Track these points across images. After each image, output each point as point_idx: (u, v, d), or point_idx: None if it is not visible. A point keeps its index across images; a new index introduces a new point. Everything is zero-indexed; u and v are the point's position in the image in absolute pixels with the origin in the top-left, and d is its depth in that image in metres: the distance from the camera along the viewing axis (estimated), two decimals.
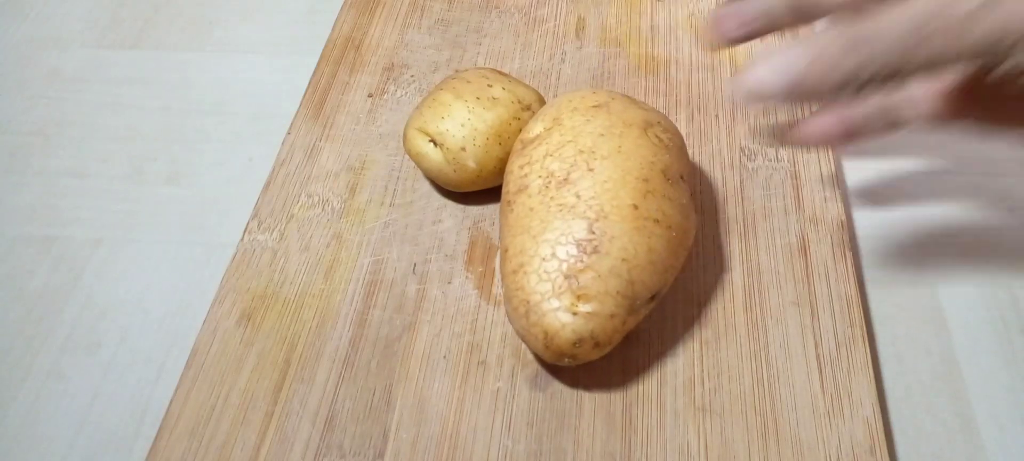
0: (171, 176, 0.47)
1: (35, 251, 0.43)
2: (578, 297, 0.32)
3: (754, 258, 0.39)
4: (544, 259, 0.32)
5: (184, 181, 0.47)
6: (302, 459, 0.33)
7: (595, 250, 0.32)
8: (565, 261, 0.32)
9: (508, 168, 0.37)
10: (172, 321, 0.40)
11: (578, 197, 0.33)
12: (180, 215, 0.45)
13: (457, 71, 0.42)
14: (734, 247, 0.40)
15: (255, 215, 0.42)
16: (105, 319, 0.40)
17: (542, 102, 0.42)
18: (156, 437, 0.34)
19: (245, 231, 0.41)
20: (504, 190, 0.36)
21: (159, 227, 0.44)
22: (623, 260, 0.32)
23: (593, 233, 0.32)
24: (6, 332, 0.40)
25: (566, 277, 0.32)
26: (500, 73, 0.41)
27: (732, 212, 0.41)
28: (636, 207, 0.33)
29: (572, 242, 0.32)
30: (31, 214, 0.45)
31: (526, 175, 0.35)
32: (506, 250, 0.34)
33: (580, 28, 0.52)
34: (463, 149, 0.39)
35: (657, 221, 0.33)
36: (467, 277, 0.39)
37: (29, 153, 0.48)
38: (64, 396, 0.38)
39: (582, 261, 0.32)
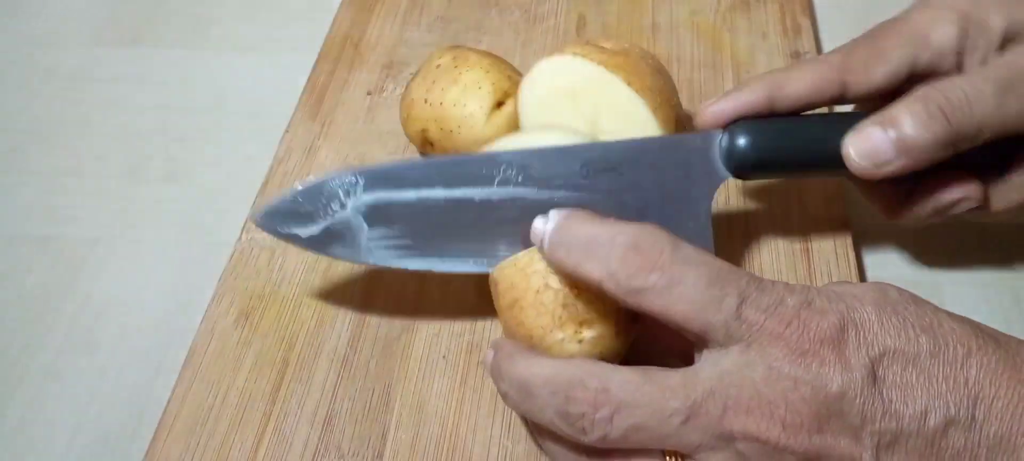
0: (169, 174, 0.47)
1: (32, 250, 0.43)
2: (580, 324, 0.31)
3: (756, 258, 0.39)
4: (538, 291, 0.31)
5: (182, 179, 0.46)
6: (301, 459, 0.33)
7: None
8: (560, 290, 0.30)
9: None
10: (170, 320, 0.40)
11: None
12: (178, 214, 0.45)
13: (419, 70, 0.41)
14: (736, 247, 0.39)
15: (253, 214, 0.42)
16: (102, 318, 0.40)
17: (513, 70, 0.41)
18: (153, 437, 0.34)
19: (243, 230, 0.41)
20: None
21: (157, 226, 0.44)
22: None
23: None
24: (3, 331, 0.40)
25: (564, 306, 0.30)
26: (454, 50, 0.41)
27: (733, 212, 0.41)
28: None
29: None
30: (28, 213, 0.45)
31: None
32: (496, 283, 0.32)
33: (581, 25, 0.51)
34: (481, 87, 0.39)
35: None
36: (466, 276, 0.39)
37: (26, 151, 0.48)
38: (61, 396, 0.38)
39: (577, 286, 0.30)
